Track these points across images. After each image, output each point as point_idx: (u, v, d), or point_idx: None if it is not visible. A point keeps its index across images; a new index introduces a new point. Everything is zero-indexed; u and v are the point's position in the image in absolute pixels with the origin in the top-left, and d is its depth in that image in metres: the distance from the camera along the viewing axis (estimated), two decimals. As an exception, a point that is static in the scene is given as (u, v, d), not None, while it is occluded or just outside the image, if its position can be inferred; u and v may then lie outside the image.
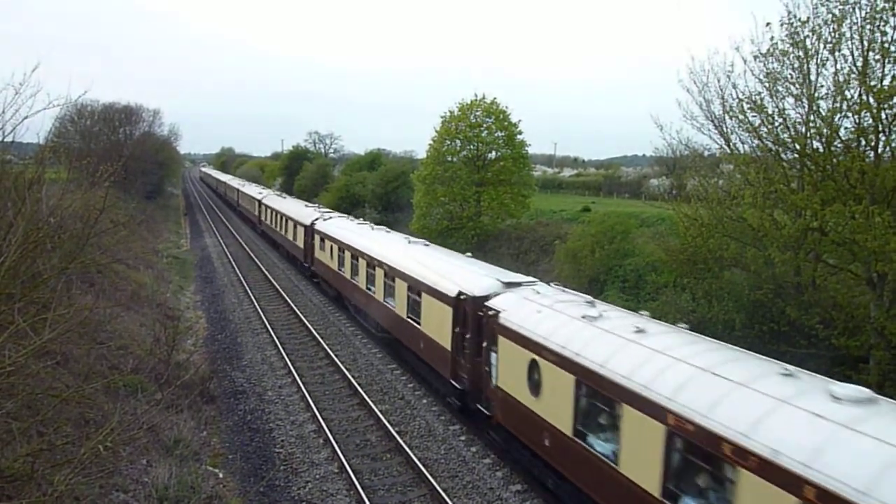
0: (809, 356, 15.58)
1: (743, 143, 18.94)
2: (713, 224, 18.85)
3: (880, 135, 15.04)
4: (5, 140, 12.34)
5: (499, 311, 14.12)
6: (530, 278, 16.77)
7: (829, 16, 15.61)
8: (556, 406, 11.81)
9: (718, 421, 8.18)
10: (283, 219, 40.94)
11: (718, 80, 18.63)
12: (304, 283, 34.49)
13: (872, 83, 14.76)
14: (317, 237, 31.98)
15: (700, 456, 8.50)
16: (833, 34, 15.58)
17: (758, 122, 17.50)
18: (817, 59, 16.15)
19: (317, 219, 33.30)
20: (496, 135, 38.90)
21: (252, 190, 61.85)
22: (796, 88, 16.68)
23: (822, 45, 15.96)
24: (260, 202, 50.87)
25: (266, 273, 36.32)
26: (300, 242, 35.72)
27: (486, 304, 14.82)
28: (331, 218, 33.08)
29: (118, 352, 17.54)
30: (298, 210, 38.91)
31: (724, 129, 19.09)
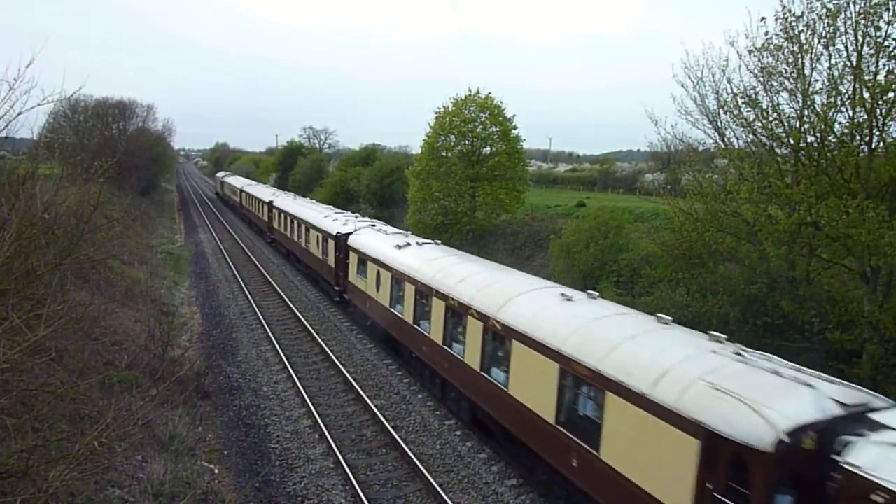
0: (804, 350, 15.65)
1: (737, 137, 18.92)
2: (708, 218, 18.85)
3: (874, 130, 15.05)
4: (-1, 135, 12.30)
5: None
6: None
7: (824, 10, 15.59)
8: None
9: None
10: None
11: (713, 75, 18.61)
12: (300, 278, 34.46)
13: (867, 78, 14.78)
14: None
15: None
16: (827, 29, 15.55)
17: (752, 116, 17.47)
18: (811, 53, 16.12)
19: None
20: (491, 130, 38.66)
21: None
22: (791, 83, 16.67)
23: (816, 40, 15.92)
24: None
25: (261, 269, 36.27)
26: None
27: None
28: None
29: (113, 348, 17.54)
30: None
31: (719, 124, 19.08)
